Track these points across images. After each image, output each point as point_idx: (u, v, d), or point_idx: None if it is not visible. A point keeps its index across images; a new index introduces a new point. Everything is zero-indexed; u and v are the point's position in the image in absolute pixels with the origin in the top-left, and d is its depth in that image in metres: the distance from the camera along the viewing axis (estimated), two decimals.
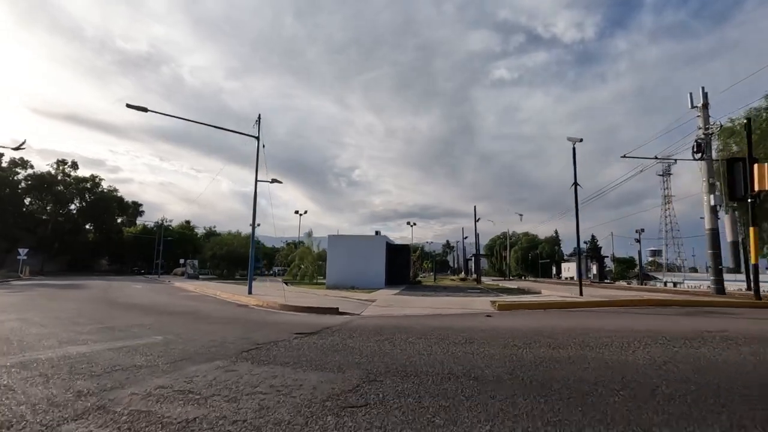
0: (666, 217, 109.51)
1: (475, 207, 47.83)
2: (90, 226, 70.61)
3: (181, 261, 42.36)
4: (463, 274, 56.01)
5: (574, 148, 16.60)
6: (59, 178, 65.29)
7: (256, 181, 19.20)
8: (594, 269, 47.65)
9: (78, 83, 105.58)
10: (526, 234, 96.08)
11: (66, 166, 66.46)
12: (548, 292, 20.30)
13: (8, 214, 57.85)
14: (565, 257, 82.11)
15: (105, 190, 70.92)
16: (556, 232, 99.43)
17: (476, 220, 46.06)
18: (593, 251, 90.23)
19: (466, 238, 76.36)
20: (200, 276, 43.70)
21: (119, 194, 74.23)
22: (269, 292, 19.31)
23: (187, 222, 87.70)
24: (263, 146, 18.87)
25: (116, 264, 78.55)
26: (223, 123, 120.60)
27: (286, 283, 25.89)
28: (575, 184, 16.66)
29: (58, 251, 63.72)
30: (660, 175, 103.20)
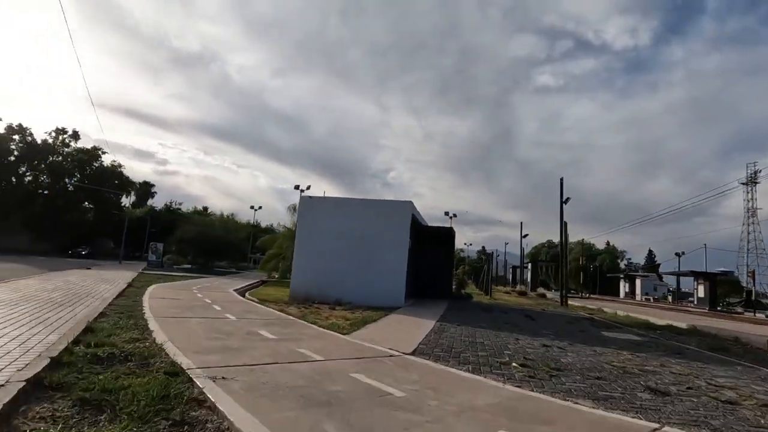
0: (749, 233, 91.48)
1: (521, 224, 38.03)
2: (89, 204, 63.25)
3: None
4: (519, 286, 43.47)
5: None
6: (56, 147, 58.10)
7: None
8: (701, 291, 34.01)
9: (134, 79, 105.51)
10: (581, 242, 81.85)
11: (65, 136, 59.27)
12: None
13: None
14: (634, 271, 67.77)
15: (107, 166, 63.37)
16: (608, 243, 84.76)
17: (523, 236, 36.34)
18: (652, 268, 76.37)
19: (507, 243, 63.99)
20: (168, 264, 33.89)
21: (123, 171, 66.61)
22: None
23: (205, 208, 79.50)
24: None
25: (130, 247, 70.68)
26: (265, 121, 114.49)
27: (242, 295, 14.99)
28: None
29: (50, 229, 56.20)
30: (744, 183, 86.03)
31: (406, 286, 14.44)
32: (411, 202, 14.78)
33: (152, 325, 6.62)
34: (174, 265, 35.39)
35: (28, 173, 57.39)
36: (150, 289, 13.31)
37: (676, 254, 63.60)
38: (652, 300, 48.95)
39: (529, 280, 49.82)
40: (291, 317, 9.39)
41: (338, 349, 6.10)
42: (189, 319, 7.73)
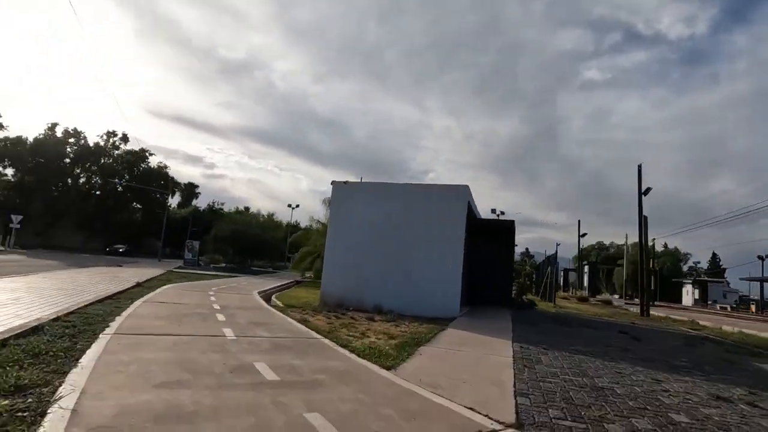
0: None
1: (579, 222, 33.64)
2: (137, 204, 64.99)
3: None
4: (578, 291, 38.69)
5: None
6: (107, 150, 60.03)
7: None
8: None
9: (185, 88, 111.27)
10: (635, 244, 74.45)
11: (116, 139, 61.15)
12: None
13: (51, 185, 53.16)
14: (697, 276, 60.70)
15: (154, 167, 64.81)
16: (666, 246, 76.39)
17: (581, 235, 32.06)
18: (716, 273, 68.83)
19: (558, 244, 59.32)
20: (205, 263, 32.77)
21: (169, 172, 67.94)
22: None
23: (246, 208, 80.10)
24: None
25: (170, 246, 72.31)
26: (306, 125, 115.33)
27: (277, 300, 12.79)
28: None
29: (101, 229, 58.05)
30: None
31: (461, 288, 11.49)
32: (467, 187, 11.80)
33: (90, 353, 4.21)
34: (211, 263, 34.35)
35: (81, 175, 59.58)
36: (158, 290, 11.28)
37: (759, 257, 55.92)
38: (729, 309, 42.42)
39: (586, 284, 44.87)
40: (314, 334, 6.80)
41: (381, 413, 3.35)
42: (161, 339, 5.31)
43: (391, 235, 11.88)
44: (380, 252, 11.88)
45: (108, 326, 5.69)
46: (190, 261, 29.40)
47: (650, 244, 75.98)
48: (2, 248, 30.94)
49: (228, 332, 6.11)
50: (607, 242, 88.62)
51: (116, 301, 8.36)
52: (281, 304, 11.48)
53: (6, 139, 51.34)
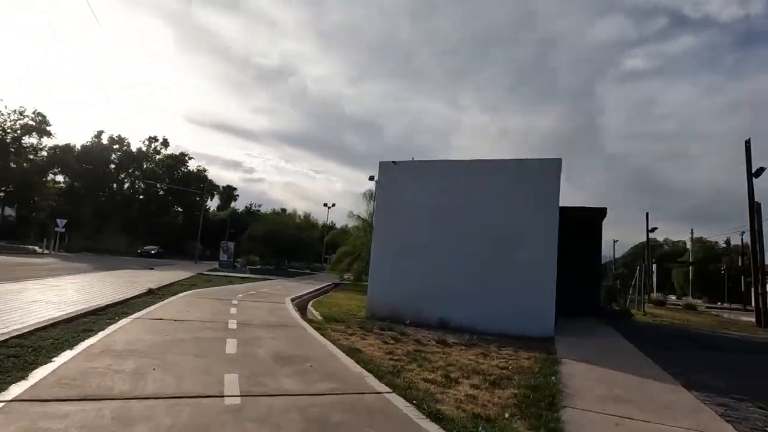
0: None
1: (647, 215, 30.16)
2: (178, 207, 65.79)
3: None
4: (655, 294, 33.69)
5: None
6: (149, 155, 61.02)
7: None
8: None
9: (223, 96, 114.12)
10: (699, 240, 67.07)
11: (157, 144, 62.03)
12: None
13: (98, 190, 54.54)
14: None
15: (193, 170, 65.37)
16: (728, 243, 67.58)
17: (651, 229, 29.08)
18: None
19: (616, 241, 54.25)
20: (241, 265, 31.24)
21: (207, 175, 68.37)
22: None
23: (283, 209, 79.71)
24: None
25: (209, 248, 72.90)
26: (340, 128, 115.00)
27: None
28: None
29: (144, 232, 58.99)
30: None
31: (555, 299, 8.49)
32: (560, 161, 8.77)
33: None
34: (247, 265, 32.88)
35: (125, 180, 60.80)
36: (170, 299, 9.10)
37: None
38: None
39: (654, 285, 39.79)
40: (373, 381, 4.12)
41: None
42: (107, 405, 2.81)
43: (458, 228, 9.06)
44: (444, 249, 9.09)
45: (38, 371, 3.30)
46: (226, 263, 27.86)
47: (710, 240, 68.05)
48: (46, 251, 30.84)
49: (231, 384, 3.56)
50: (660, 239, 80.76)
51: (99, 318, 6.13)
52: (319, 316, 8.98)
53: (56, 147, 53.03)
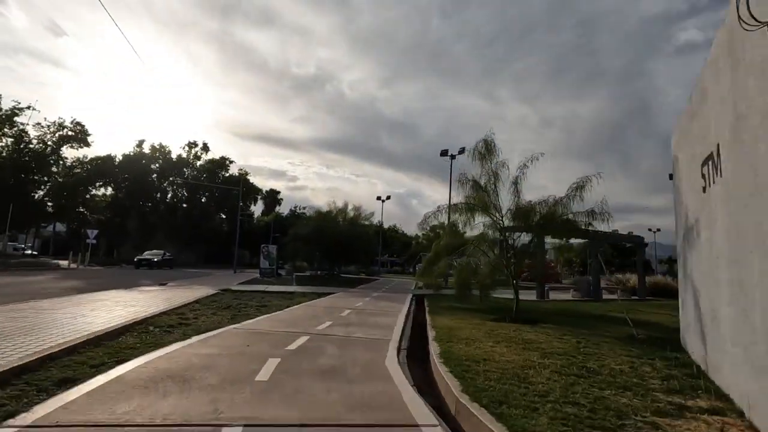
0: None
1: None
2: (222, 214, 62.64)
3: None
4: None
5: None
6: (189, 161, 58.18)
7: None
8: None
9: (264, 108, 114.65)
10: None
11: (197, 149, 59.09)
12: None
13: (141, 200, 52.20)
14: None
15: (234, 174, 62.02)
16: None
17: None
18: None
19: (659, 230, 43.14)
20: (288, 272, 25.78)
21: (249, 178, 64.92)
22: None
23: (328, 212, 74.97)
24: None
25: (255, 255, 69.14)
26: (377, 130, 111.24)
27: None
28: None
29: (190, 240, 56.02)
30: None
31: None
32: None
33: None
34: (294, 272, 27.46)
35: (168, 188, 58.30)
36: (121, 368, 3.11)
37: None
38: None
39: None
40: None
41: None
42: None
43: None
44: None
45: None
46: (267, 271, 22.41)
47: None
48: (73, 266, 27.10)
49: None
50: None
51: None
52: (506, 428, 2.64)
53: (97, 158, 51.15)
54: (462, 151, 18.78)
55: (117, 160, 54.16)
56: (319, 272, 26.49)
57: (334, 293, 14.12)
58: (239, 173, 63.26)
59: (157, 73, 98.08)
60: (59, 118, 46.18)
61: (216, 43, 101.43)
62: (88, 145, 47.58)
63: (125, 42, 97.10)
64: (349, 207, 26.18)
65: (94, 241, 30.59)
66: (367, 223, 27.23)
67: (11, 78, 73.88)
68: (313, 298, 12.17)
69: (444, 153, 19.50)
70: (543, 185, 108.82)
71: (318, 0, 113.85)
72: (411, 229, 73.47)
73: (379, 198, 35.83)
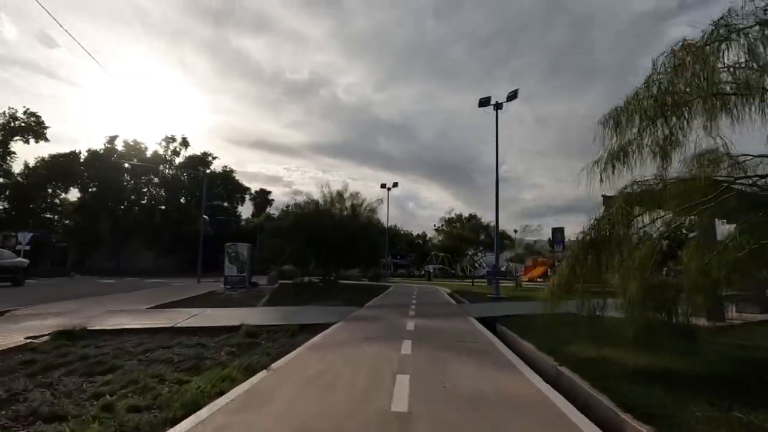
0: None
1: None
2: (206, 216, 55.81)
3: None
4: None
5: None
6: (167, 158, 51.44)
7: None
8: None
9: (258, 114, 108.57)
10: None
11: (175, 144, 52.34)
12: None
13: (113, 202, 45.50)
14: None
15: (218, 171, 55.51)
16: None
17: None
18: None
19: None
20: (272, 279, 19.51)
21: (236, 176, 58.38)
22: None
23: (322, 207, 68.39)
24: None
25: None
26: (374, 133, 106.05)
27: None
28: None
29: (171, 245, 49.09)
30: None
31: None
32: None
33: None
34: (279, 279, 21.05)
35: (143, 188, 51.51)
36: None
37: None
38: None
39: None
40: None
41: None
42: None
43: None
44: None
45: None
46: (235, 279, 15.89)
47: None
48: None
49: None
50: None
51: None
52: None
53: (59, 155, 44.49)
54: (514, 94, 12.64)
55: (83, 157, 47.17)
56: (310, 279, 20.14)
57: (325, 327, 7.69)
58: (224, 170, 56.83)
59: (150, 82, 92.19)
60: (9, 107, 39.73)
61: (209, 51, 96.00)
62: (45, 139, 41.07)
63: (123, 50, 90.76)
64: (346, 194, 19.57)
65: (27, 247, 24.03)
66: (372, 215, 20.66)
67: (8, 92, 67.86)
68: (260, 357, 5.64)
69: (484, 102, 13.28)
70: (540, 184, 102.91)
71: (311, 4, 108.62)
72: (411, 228, 66.92)
73: (383, 186, 29.21)
